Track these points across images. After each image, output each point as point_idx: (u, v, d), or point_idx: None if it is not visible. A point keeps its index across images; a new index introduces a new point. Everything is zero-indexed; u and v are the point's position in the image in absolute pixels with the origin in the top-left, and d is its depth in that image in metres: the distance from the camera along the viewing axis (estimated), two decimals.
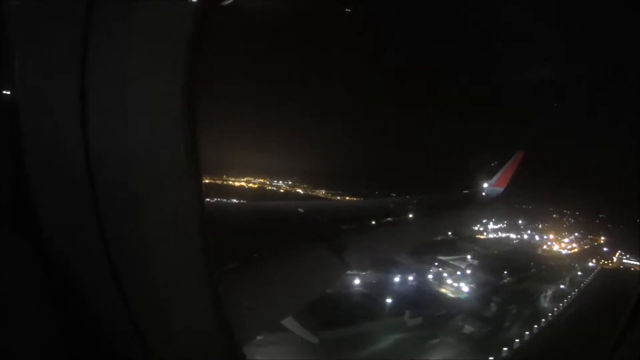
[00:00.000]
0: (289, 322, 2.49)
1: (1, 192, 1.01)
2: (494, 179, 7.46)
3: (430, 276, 27.52)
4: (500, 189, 7.30)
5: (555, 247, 36.23)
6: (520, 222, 39.48)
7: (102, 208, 0.89)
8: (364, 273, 26.01)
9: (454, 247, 32.99)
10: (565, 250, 35.75)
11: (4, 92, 1.03)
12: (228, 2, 1.08)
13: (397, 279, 26.20)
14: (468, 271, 28.33)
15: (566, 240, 36.89)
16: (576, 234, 37.34)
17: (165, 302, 0.95)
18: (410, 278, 26.83)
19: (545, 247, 36.59)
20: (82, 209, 0.90)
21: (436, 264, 29.50)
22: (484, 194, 7.19)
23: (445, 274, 27.75)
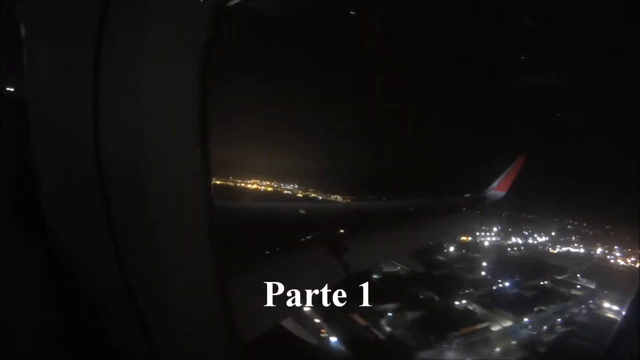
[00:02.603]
0: (288, 323, 2.55)
1: (5, 183, 1.01)
2: (495, 183, 7.51)
3: (591, 302, 23.97)
4: (501, 194, 7.34)
5: (621, 262, 33.00)
6: (554, 234, 36.54)
7: (111, 205, 0.89)
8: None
9: (547, 264, 29.94)
10: (636, 264, 32.41)
11: (10, 87, 1.04)
12: (235, 1, 1.10)
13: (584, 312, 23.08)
14: (605, 291, 24.63)
15: (618, 254, 33.56)
16: (616, 247, 34.08)
17: (173, 300, 0.96)
18: (583, 306, 23.53)
19: (612, 261, 33.37)
20: (90, 205, 0.91)
21: (578, 286, 25.94)
22: (485, 198, 7.18)
23: (596, 298, 24.28)
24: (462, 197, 7.29)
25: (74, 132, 0.91)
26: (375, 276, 20.40)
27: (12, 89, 1.05)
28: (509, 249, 32.42)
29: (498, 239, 33.01)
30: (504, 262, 28.45)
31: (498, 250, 31.20)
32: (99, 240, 0.91)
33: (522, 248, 33.33)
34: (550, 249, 34.14)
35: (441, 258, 26.31)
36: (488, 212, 7.61)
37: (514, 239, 34.41)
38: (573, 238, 35.60)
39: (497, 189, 7.38)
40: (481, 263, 26.98)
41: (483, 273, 26.21)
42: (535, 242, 34.85)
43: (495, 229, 31.63)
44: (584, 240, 35.18)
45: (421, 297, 20.41)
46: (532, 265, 29.03)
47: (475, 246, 29.62)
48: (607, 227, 35.63)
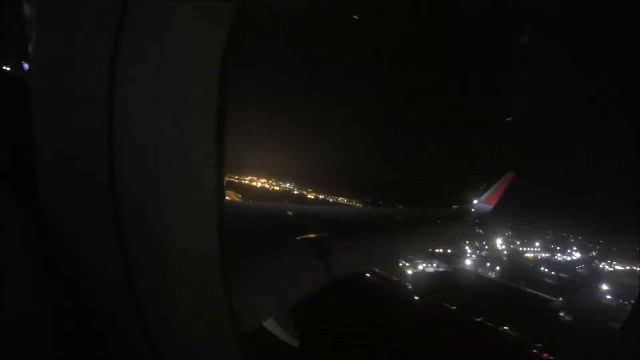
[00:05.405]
0: (269, 324, 2.50)
1: (6, 176, 0.97)
2: (484, 196, 7.64)
3: None
4: (489, 207, 7.40)
5: None
6: (575, 248, 35.63)
7: (120, 202, 0.87)
8: None
9: (626, 283, 29.15)
10: None
11: (21, 74, 1.00)
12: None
13: None
14: None
15: None
16: None
17: (176, 291, 0.94)
18: None
19: None
20: (97, 200, 0.88)
21: None
22: (473, 210, 7.28)
23: None
24: (450, 209, 7.39)
25: (86, 125, 0.87)
26: (561, 314, 19.28)
27: (23, 77, 1.01)
28: (577, 268, 31.07)
29: (547, 254, 31.94)
30: (599, 282, 26.81)
31: (568, 268, 29.83)
32: (104, 238, 0.89)
33: (582, 265, 32.05)
34: (601, 266, 32.28)
35: (550, 281, 25.57)
36: (475, 224, 7.73)
37: (559, 256, 33.14)
38: (594, 253, 34.62)
39: (485, 202, 7.48)
40: (594, 287, 25.67)
41: (608, 297, 24.81)
42: (575, 259, 33.44)
43: (537, 244, 30.77)
44: (607, 256, 34.04)
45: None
46: (623, 285, 26.78)
47: (550, 264, 28.76)
48: (600, 241, 35.19)
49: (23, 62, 1.06)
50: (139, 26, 0.84)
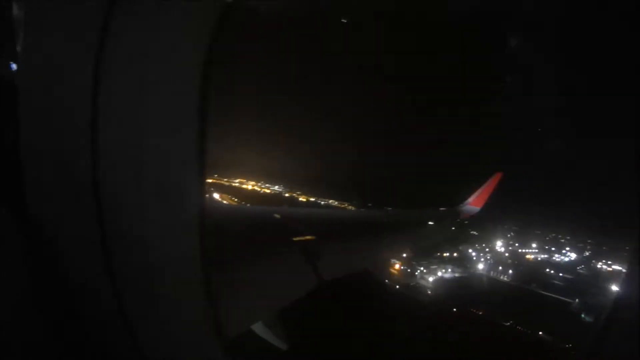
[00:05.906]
0: (258, 328, 2.47)
1: None
2: (471, 198, 7.74)
3: None
4: (476, 208, 7.50)
5: None
6: (568, 249, 35.80)
7: (105, 201, 0.86)
8: None
9: None
10: None
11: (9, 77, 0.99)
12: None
13: None
14: None
15: None
16: None
17: (159, 295, 0.94)
18: None
19: None
20: (81, 201, 0.88)
21: None
22: (460, 212, 7.39)
23: None
24: (437, 210, 7.42)
25: (71, 126, 0.88)
26: (582, 316, 19.61)
27: (12, 77, 1.02)
28: (577, 268, 30.31)
29: (546, 255, 32.32)
30: (604, 283, 25.82)
31: (569, 269, 27.98)
32: (88, 242, 0.89)
33: (582, 266, 30.96)
34: (599, 266, 32.22)
35: (558, 282, 24.59)
36: (465, 225, 7.85)
37: (556, 256, 33.04)
38: (587, 253, 34.45)
39: (472, 204, 7.58)
40: (602, 288, 23.81)
41: None
42: (572, 259, 33.12)
43: (534, 246, 31.58)
44: (601, 256, 33.61)
45: None
46: None
47: (551, 265, 28.87)
48: (589, 240, 35.24)
49: (11, 62, 1.06)
50: (124, 29, 0.85)
